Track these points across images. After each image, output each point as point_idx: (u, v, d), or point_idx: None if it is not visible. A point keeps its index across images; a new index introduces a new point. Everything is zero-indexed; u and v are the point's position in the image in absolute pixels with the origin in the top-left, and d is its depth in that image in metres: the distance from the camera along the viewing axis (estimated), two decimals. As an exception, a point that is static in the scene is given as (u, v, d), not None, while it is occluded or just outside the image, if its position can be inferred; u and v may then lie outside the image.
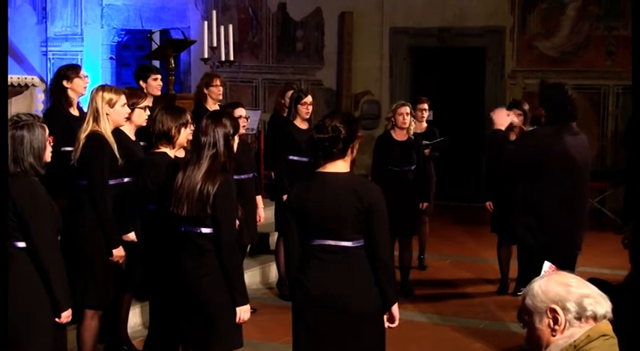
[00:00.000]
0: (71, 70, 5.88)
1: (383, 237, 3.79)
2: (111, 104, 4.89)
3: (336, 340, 3.79)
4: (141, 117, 5.23)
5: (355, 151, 3.87)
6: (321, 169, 3.83)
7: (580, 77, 10.57)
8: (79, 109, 6.00)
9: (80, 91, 5.90)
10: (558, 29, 11.10)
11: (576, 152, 5.32)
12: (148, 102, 5.58)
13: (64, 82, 5.80)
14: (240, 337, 4.22)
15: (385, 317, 3.90)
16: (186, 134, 4.64)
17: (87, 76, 6.03)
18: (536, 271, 4.15)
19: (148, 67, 7.06)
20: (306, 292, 3.81)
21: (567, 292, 2.48)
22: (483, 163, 9.82)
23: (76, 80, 5.83)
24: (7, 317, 3.62)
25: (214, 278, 4.08)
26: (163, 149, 4.68)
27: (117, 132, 4.97)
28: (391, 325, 3.93)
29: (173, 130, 4.62)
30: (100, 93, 4.91)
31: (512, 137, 7.04)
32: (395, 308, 3.90)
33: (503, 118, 6.05)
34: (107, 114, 4.87)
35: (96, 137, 4.81)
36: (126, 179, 4.97)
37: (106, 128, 4.86)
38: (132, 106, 5.10)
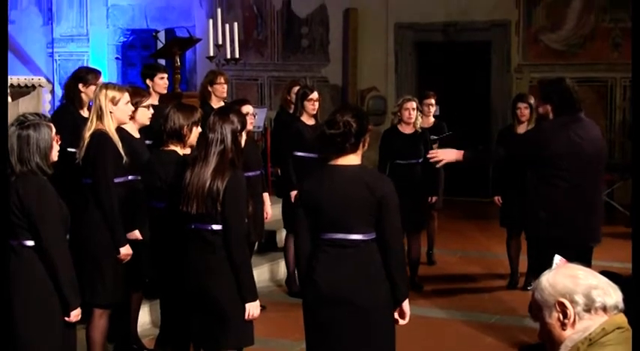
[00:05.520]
0: (91, 75, 5.83)
1: (395, 230, 3.77)
2: (114, 102, 4.87)
3: (346, 334, 3.77)
4: (144, 115, 5.22)
5: (367, 144, 3.86)
6: (332, 163, 3.81)
7: (587, 70, 10.53)
8: (90, 109, 5.98)
9: (92, 98, 5.86)
10: (564, 22, 11.05)
11: (586, 143, 5.27)
12: (152, 100, 5.57)
13: (80, 85, 5.77)
14: (251, 334, 4.21)
15: (396, 313, 3.88)
16: (197, 133, 4.62)
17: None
18: (547, 265, 4.12)
19: (154, 66, 7.05)
20: (316, 288, 3.79)
21: (575, 285, 2.46)
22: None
23: (92, 87, 5.72)
24: (10, 315, 3.62)
25: (225, 275, 4.07)
26: (173, 147, 4.65)
27: (119, 130, 4.94)
28: (401, 321, 3.91)
29: (185, 129, 4.60)
30: (104, 91, 4.90)
31: (520, 130, 7.03)
32: (406, 304, 3.88)
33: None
34: (111, 112, 4.86)
35: (100, 135, 4.80)
36: (130, 177, 4.96)
37: (110, 126, 4.84)
38: (135, 105, 5.10)
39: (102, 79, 5.91)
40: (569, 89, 5.38)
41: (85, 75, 5.82)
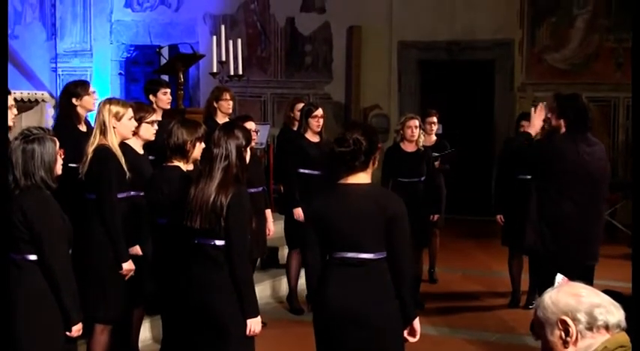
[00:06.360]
0: (80, 87, 5.83)
1: (405, 248, 3.76)
2: (118, 117, 4.89)
3: None
4: (148, 131, 5.22)
5: (377, 162, 3.85)
6: (342, 181, 3.80)
7: (590, 89, 10.50)
8: (87, 123, 6.00)
9: (89, 108, 5.87)
10: (567, 42, 11.09)
11: (591, 162, 5.31)
12: (156, 116, 5.57)
13: (74, 100, 5.76)
14: (252, 350, 4.19)
15: (405, 332, 3.86)
16: (200, 149, 4.63)
17: (95, 92, 6.01)
18: (548, 280, 4.12)
19: (157, 81, 7.06)
20: (327, 307, 3.77)
21: (577, 303, 2.46)
22: (493, 175, 9.80)
23: (86, 98, 5.77)
24: (11, 330, 3.62)
25: (227, 290, 4.06)
26: (176, 163, 4.66)
27: (122, 145, 4.95)
28: (412, 339, 3.88)
29: (188, 144, 4.61)
30: (107, 106, 4.91)
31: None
32: (416, 322, 3.85)
33: (539, 122, 5.44)
34: (114, 127, 4.87)
35: (103, 151, 4.81)
36: (133, 193, 4.96)
37: (113, 141, 4.85)
38: (139, 121, 5.10)
39: (92, 88, 5.94)
40: (585, 107, 5.44)
41: (75, 89, 5.81)
